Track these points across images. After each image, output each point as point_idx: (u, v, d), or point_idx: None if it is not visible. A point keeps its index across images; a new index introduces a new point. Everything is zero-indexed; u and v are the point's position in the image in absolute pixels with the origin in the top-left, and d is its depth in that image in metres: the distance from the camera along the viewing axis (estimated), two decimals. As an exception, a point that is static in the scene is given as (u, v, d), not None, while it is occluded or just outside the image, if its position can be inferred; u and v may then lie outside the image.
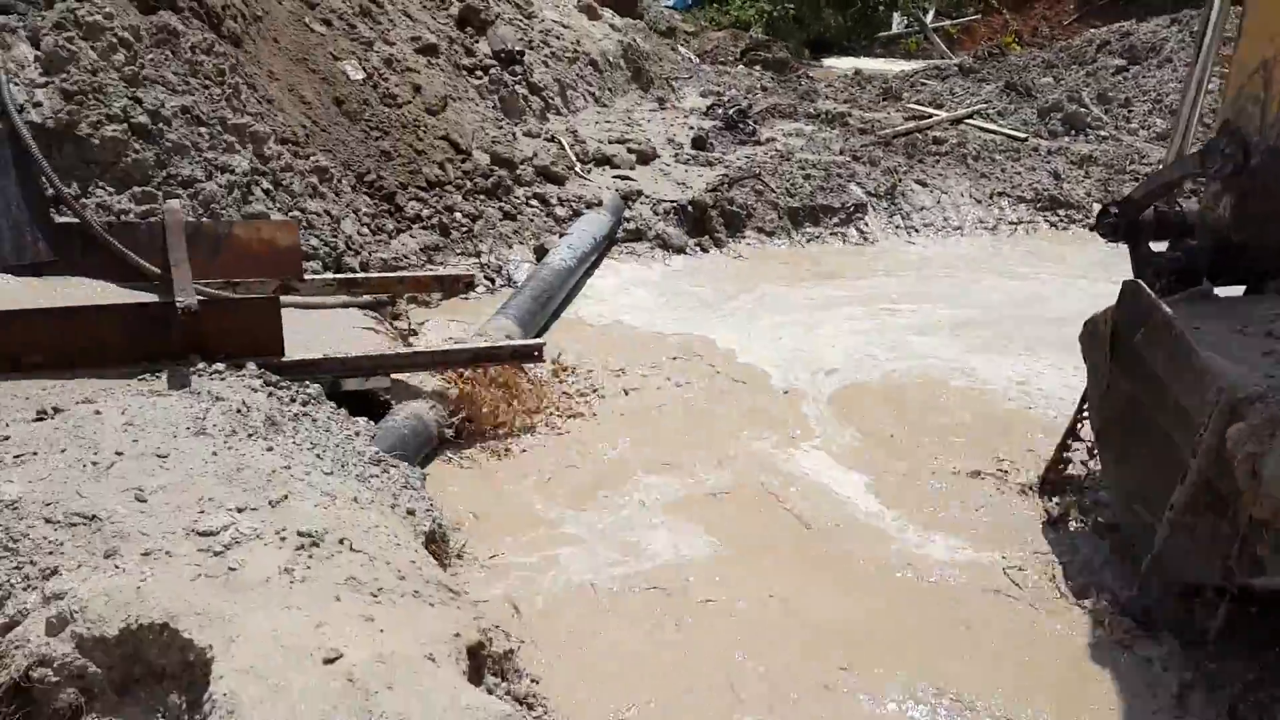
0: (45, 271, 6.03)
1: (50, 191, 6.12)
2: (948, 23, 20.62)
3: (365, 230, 8.18)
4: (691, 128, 11.55)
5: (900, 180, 10.19)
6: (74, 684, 3.18)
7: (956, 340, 7.79)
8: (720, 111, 12.08)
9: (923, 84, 13.59)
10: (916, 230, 9.91)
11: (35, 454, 4.08)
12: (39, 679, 3.15)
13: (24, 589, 3.46)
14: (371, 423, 5.59)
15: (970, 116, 11.82)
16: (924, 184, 10.30)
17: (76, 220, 6.11)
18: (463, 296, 8.01)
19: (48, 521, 3.65)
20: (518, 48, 10.86)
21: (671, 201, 9.67)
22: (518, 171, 9.47)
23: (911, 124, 11.61)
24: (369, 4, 9.44)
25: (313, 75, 8.57)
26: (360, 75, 8.84)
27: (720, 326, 7.87)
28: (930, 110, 12.13)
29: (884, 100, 13.16)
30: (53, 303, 5.58)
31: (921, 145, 10.90)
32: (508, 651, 3.75)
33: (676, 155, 10.77)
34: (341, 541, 3.69)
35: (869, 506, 5.54)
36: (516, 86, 10.56)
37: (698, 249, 9.38)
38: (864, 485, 5.75)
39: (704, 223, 9.49)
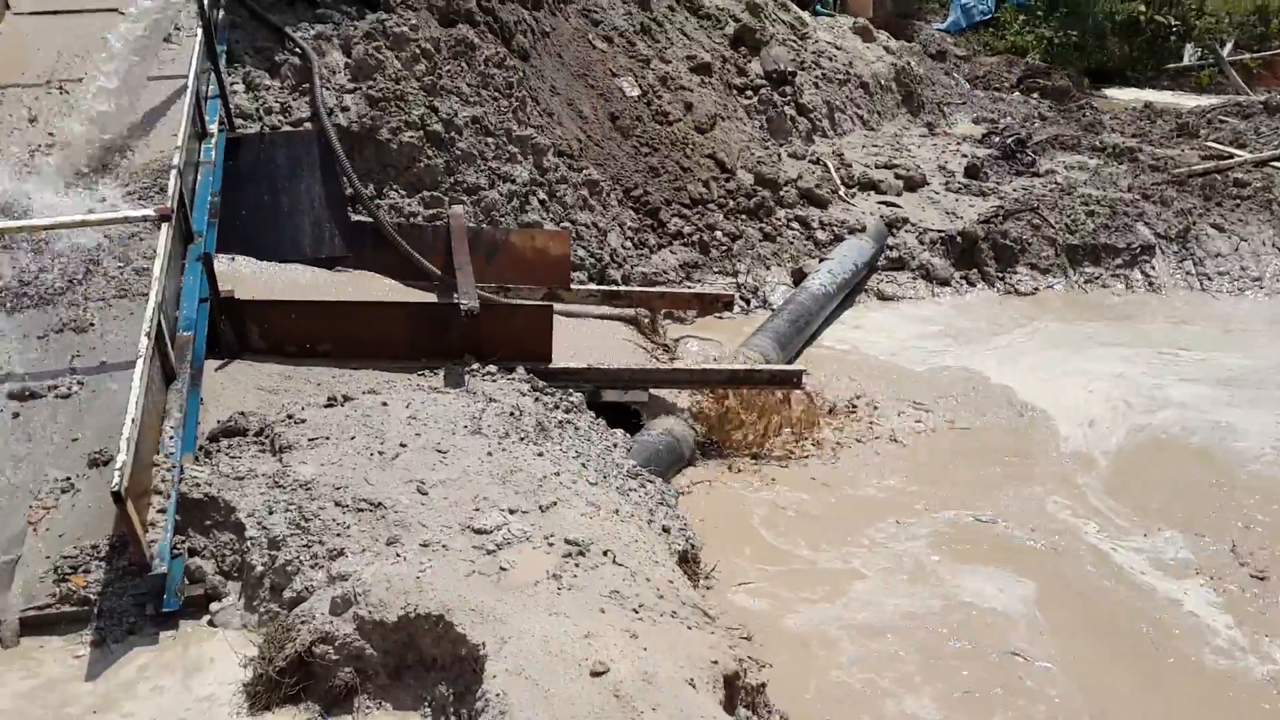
0: (337, 266, 6.43)
1: (349, 191, 6.51)
2: (1247, 56, 19.06)
3: (629, 244, 8.30)
4: (964, 155, 11.13)
5: (1194, 223, 9.43)
6: (352, 664, 3.30)
7: (1262, 405, 7.04)
8: (996, 140, 11.60)
9: (1222, 121, 12.56)
10: (1209, 278, 9.13)
11: (327, 439, 4.32)
12: (320, 655, 3.30)
13: (312, 567, 3.64)
14: (628, 435, 5.63)
15: (1278, 159, 10.82)
16: (1221, 229, 9.49)
17: (370, 219, 6.48)
18: (717, 315, 7.99)
19: (337, 505, 3.83)
20: (790, 68, 10.80)
21: (939, 231, 9.33)
22: (781, 193, 9.39)
23: (1210, 163, 10.73)
24: (649, 22, 9.62)
25: (591, 91, 8.79)
26: (635, 92, 9.01)
27: (989, 364, 7.49)
28: (1231, 150, 11.19)
29: (1178, 137, 12.25)
30: (345, 296, 5.93)
31: (1220, 187, 10.06)
32: (760, 685, 3.63)
33: (947, 184, 10.40)
34: (605, 553, 3.69)
35: (1169, 588, 5.07)
36: (785, 107, 10.49)
37: (964, 282, 9.00)
38: (1163, 554, 5.30)
39: (972, 255, 9.10)
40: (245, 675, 3.39)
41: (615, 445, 5.32)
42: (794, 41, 11.59)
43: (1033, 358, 7.67)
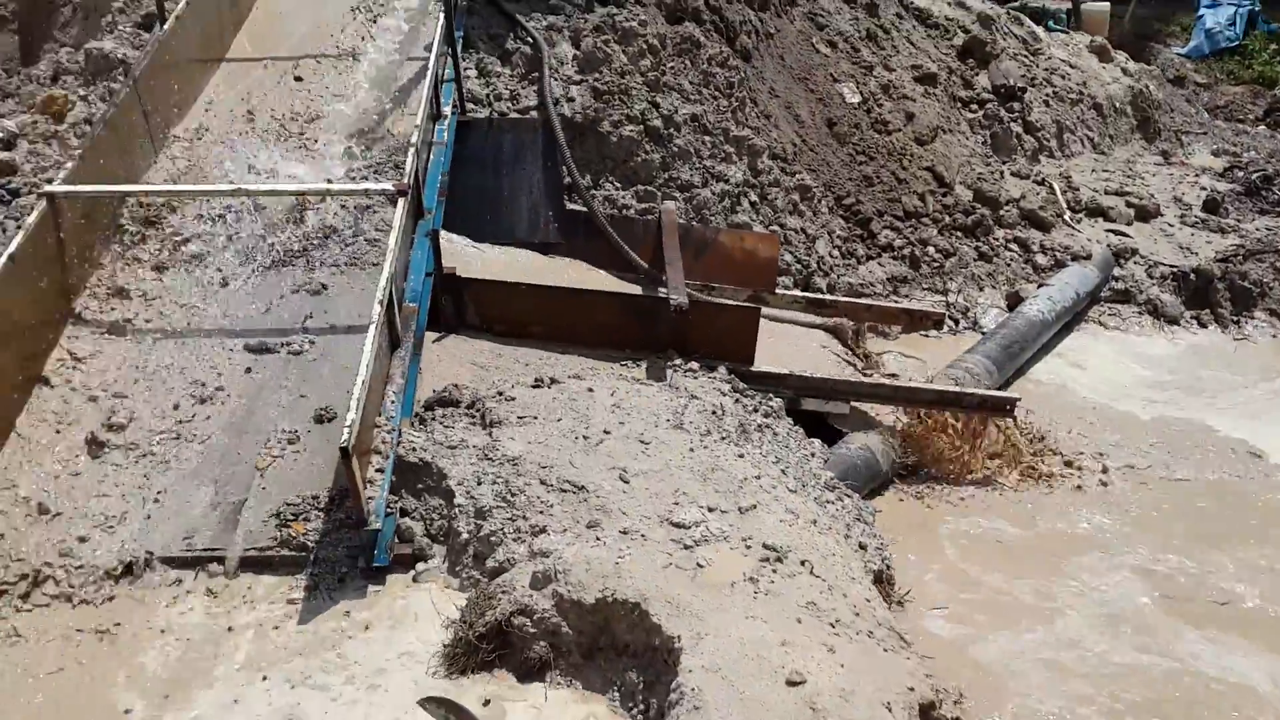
0: (550, 252, 6.58)
1: (567, 180, 6.66)
2: None
3: (836, 253, 8.17)
4: (1202, 188, 10.45)
5: None
6: (547, 639, 3.37)
7: None
8: (1239, 174, 10.85)
9: None
10: None
11: (535, 418, 4.41)
12: (518, 627, 3.37)
13: (515, 540, 3.72)
14: (825, 446, 5.54)
15: None
16: None
17: (584, 209, 6.61)
18: (923, 333, 7.77)
19: (542, 483, 3.91)
20: (1019, 84, 10.41)
21: (1171, 266, 8.79)
22: (1000, 212, 9.05)
23: None
24: (876, 29, 9.44)
25: (810, 95, 8.70)
26: (856, 98, 8.86)
27: (1223, 417, 6.97)
28: None
29: None
30: (555, 281, 6.06)
31: None
32: (954, 719, 3.50)
33: (1182, 216, 9.79)
34: (803, 563, 3.63)
35: None
36: (1011, 124, 10.11)
37: (1194, 322, 8.45)
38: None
39: (1206, 295, 8.53)
40: (445, 636, 3.50)
41: (813, 455, 5.25)
42: (1025, 56, 11.16)
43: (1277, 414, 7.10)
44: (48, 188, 4.78)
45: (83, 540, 3.88)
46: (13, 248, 4.38)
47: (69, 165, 4.97)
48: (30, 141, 6.05)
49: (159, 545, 3.91)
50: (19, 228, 5.21)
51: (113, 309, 4.97)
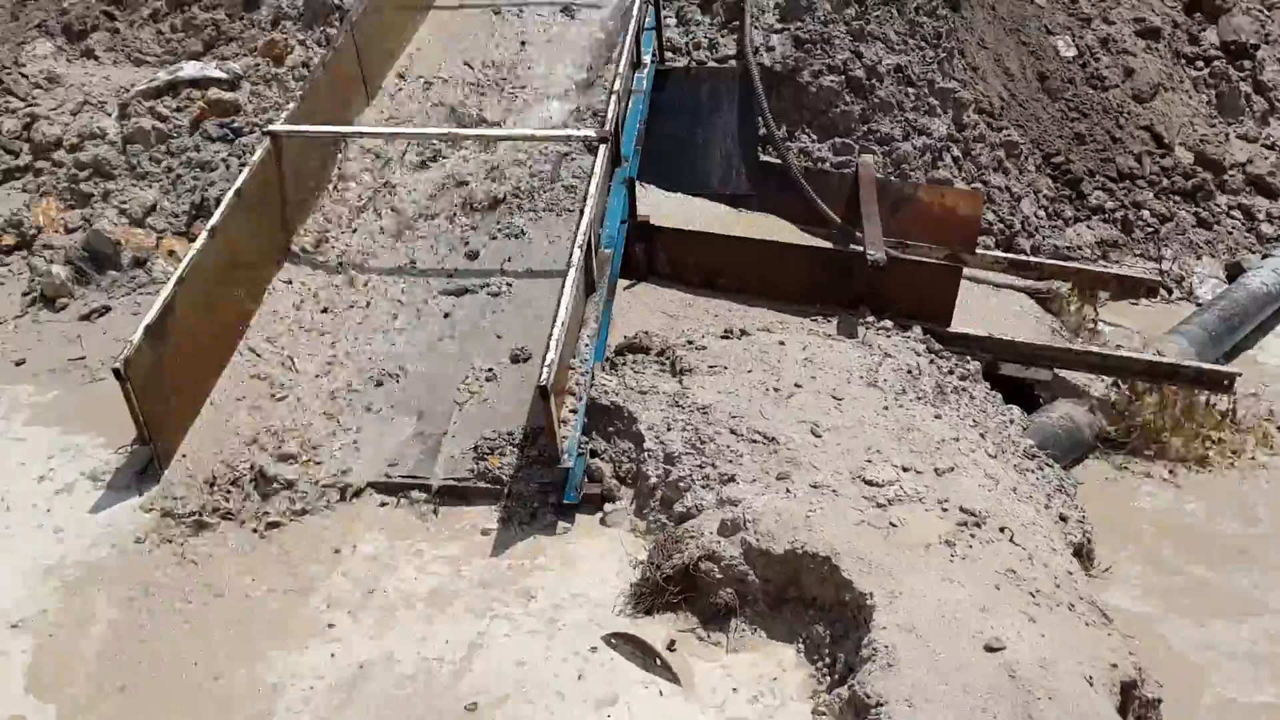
0: (741, 203, 6.51)
1: (762, 131, 6.55)
2: None
3: (1042, 213, 7.79)
4: None
5: None
6: (733, 585, 3.37)
7: None
8: None
9: None
10: None
11: (725, 368, 4.40)
12: (705, 571, 3.38)
13: (703, 487, 3.73)
14: (1025, 413, 5.32)
15: None
16: None
17: (778, 161, 6.49)
18: (1132, 301, 7.34)
19: (732, 432, 3.90)
20: (1252, 40, 9.61)
21: None
22: (1224, 177, 8.42)
23: None
24: (1097, -22, 8.90)
25: (1021, 48, 8.27)
26: (1071, 52, 8.38)
27: None
28: None
29: None
30: (746, 233, 5.99)
31: None
32: (1156, 700, 3.32)
33: None
34: (1002, 530, 3.51)
35: None
36: (1240, 83, 9.36)
37: None
38: None
39: None
40: (631, 576, 3.55)
41: (1011, 421, 5.04)
42: (1259, 11, 10.28)
43: None
44: (271, 126, 5.03)
45: (294, 459, 4.11)
46: (239, 182, 4.64)
47: (290, 106, 5.21)
48: (252, 83, 6.39)
49: (367, 471, 4.10)
50: (242, 164, 5.54)
51: (324, 247, 5.21)
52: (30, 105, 6.46)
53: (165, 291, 4.08)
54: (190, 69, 6.31)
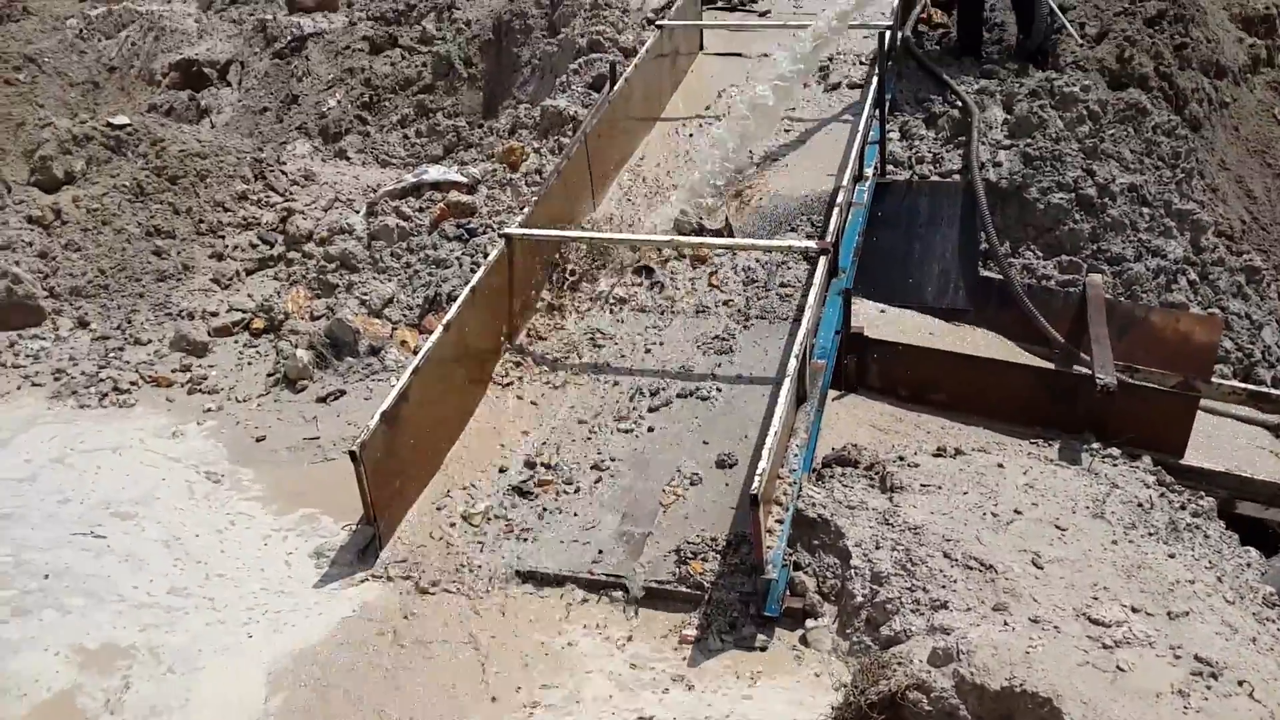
0: (957, 319, 6.36)
1: (983, 246, 6.42)
2: None
3: (1286, 343, 7.29)
4: None
5: None
6: (942, 719, 3.20)
7: None
8: None
9: None
10: None
11: (939, 488, 4.27)
12: (913, 702, 3.23)
13: (913, 611, 3.60)
14: (1263, 557, 4.91)
15: None
16: None
17: (999, 276, 6.33)
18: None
19: (945, 556, 3.76)
20: None
21: None
22: None
23: None
24: (1355, 98, 8.41)
25: (1266, 170, 7.87)
26: (1327, 174, 7.91)
27: None
28: None
29: None
30: (964, 349, 5.85)
31: None
32: None
33: None
34: (1241, 684, 3.22)
35: None
36: None
37: None
38: None
39: None
40: (833, 699, 3.44)
41: (1249, 565, 4.66)
42: None
43: None
44: (507, 229, 5.32)
45: (495, 550, 4.24)
46: (475, 280, 4.90)
47: (525, 210, 5.50)
48: (489, 187, 6.77)
49: (570, 564, 4.17)
50: (474, 264, 5.86)
51: (546, 344, 5.42)
52: (288, 200, 7.06)
53: (402, 380, 4.33)
54: (434, 172, 6.76)
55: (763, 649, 3.78)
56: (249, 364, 5.84)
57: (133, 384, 5.66)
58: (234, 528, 4.53)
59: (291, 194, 7.19)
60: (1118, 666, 3.19)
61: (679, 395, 5.01)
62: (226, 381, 5.68)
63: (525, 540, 4.30)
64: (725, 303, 5.65)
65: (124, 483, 4.85)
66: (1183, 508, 4.77)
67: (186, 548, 4.39)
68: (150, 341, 6.01)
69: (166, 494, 4.76)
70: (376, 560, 4.18)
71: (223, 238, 6.73)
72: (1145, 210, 6.66)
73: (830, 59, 7.58)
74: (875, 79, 6.54)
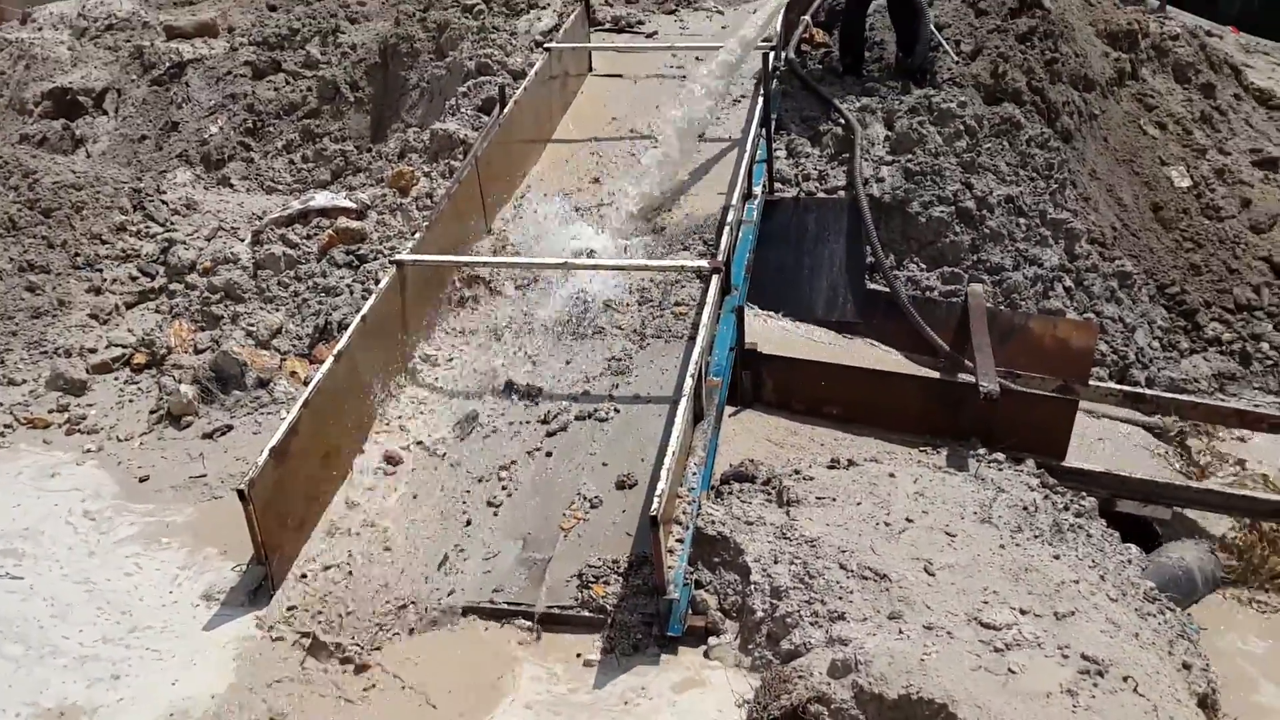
0: (847, 331, 6.50)
1: (870, 259, 6.57)
2: None
3: (1156, 344, 7.61)
4: None
5: None
6: (843, 731, 3.26)
7: None
8: None
9: None
10: None
11: (834, 500, 4.34)
12: (814, 714, 3.29)
13: (812, 624, 3.66)
14: (1143, 553, 5.12)
15: None
16: None
17: (886, 289, 6.49)
18: (1239, 437, 7.04)
19: (841, 567, 3.83)
20: (1376, 169, 9.38)
21: None
22: (1351, 309, 8.15)
23: None
24: (1211, 111, 8.83)
25: (1135, 178, 8.22)
26: (1186, 182, 8.29)
27: None
28: None
29: None
30: (852, 361, 5.97)
31: None
32: None
33: None
34: (1126, 679, 3.35)
35: None
36: (1366, 213, 9.12)
37: None
38: None
39: None
40: (737, 716, 3.47)
41: (1129, 562, 4.85)
42: (1385, 139, 10.06)
43: None
44: (398, 256, 5.25)
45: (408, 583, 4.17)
46: (366, 309, 4.83)
47: (416, 235, 5.44)
48: (379, 212, 6.68)
49: (471, 593, 4.12)
50: (365, 290, 5.77)
51: (438, 370, 5.36)
52: (169, 230, 6.87)
53: (291, 414, 4.23)
54: (321, 198, 6.65)
55: (666, 667, 3.78)
56: (130, 401, 5.65)
57: (7, 427, 5.43)
58: (116, 571, 4.36)
59: (173, 224, 7.00)
60: (1009, 669, 3.29)
61: (577, 418, 5.00)
62: (107, 420, 5.48)
63: (424, 574, 4.24)
64: (622, 322, 5.66)
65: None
66: (1066, 508, 4.94)
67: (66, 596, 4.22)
68: (25, 381, 5.77)
69: (46, 539, 4.57)
70: (270, 601, 4.07)
71: (100, 271, 6.51)
72: (1022, 220, 6.91)
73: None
74: (760, 98, 6.65)
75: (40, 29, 9.85)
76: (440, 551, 4.34)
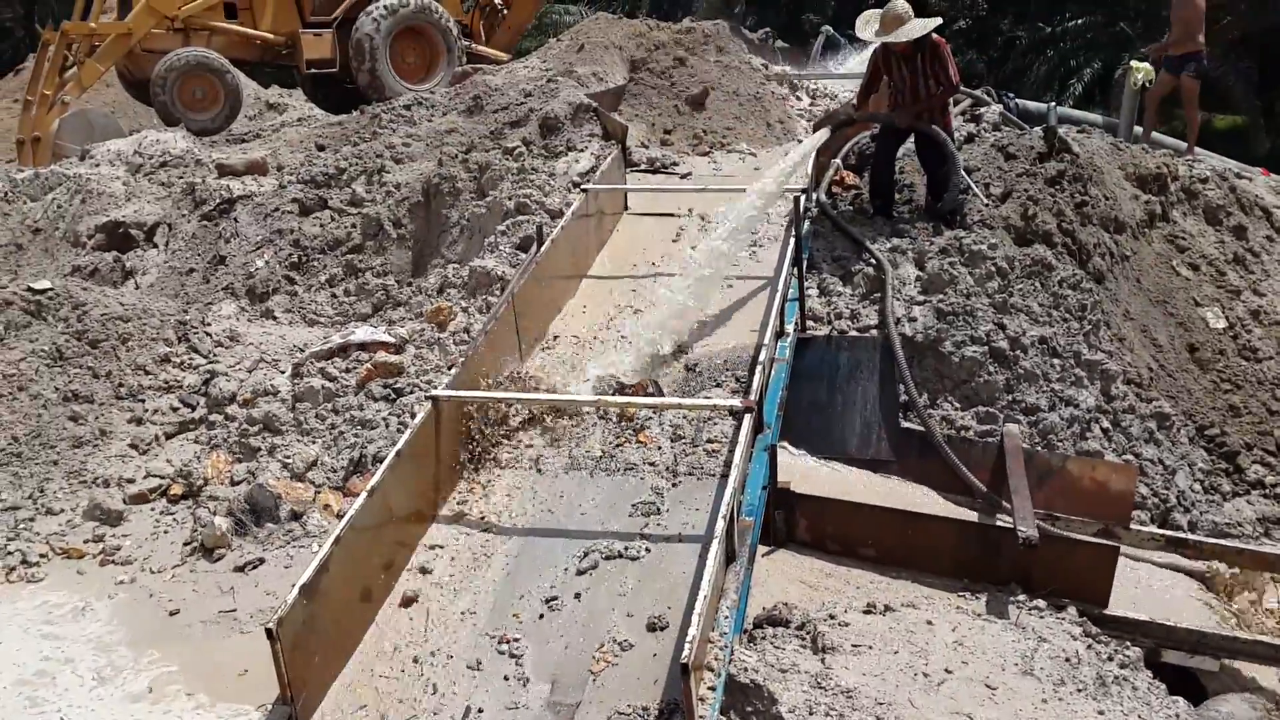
0: (880, 470, 6.46)
1: (903, 398, 6.57)
2: None
3: (1198, 487, 7.49)
4: None
5: None
6: None
7: None
8: None
9: None
10: None
11: (870, 647, 4.25)
12: None
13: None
14: (1191, 707, 4.93)
15: None
16: None
17: (920, 428, 6.47)
18: (1303, 584, 6.85)
19: (878, 720, 3.72)
20: None
21: None
22: (1397, 452, 8.00)
23: None
24: (1244, 252, 8.86)
25: (1169, 319, 8.22)
26: (1221, 324, 8.28)
27: None
28: None
29: None
30: (888, 501, 5.92)
31: None
32: None
33: None
34: (1177, 847, 3.19)
35: None
36: (1406, 355, 9.04)
37: None
38: None
39: None
40: None
41: (1177, 717, 4.67)
42: None
43: None
44: (434, 391, 5.31)
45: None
46: (401, 444, 4.86)
47: (453, 370, 5.51)
48: (416, 347, 6.79)
49: (499, 740, 4.04)
50: (401, 424, 5.82)
51: (468, 508, 5.35)
52: (211, 362, 7.00)
53: (323, 550, 4.23)
54: (361, 333, 6.77)
55: (697, 825, 3.66)
56: (165, 532, 5.68)
57: (42, 556, 5.45)
58: (145, 708, 4.32)
59: (215, 355, 7.14)
60: (1054, 835, 3.16)
61: (606, 557, 4.95)
62: (140, 551, 5.50)
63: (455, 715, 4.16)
64: (651, 462, 5.65)
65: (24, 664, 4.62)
66: (1110, 659, 4.79)
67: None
68: (63, 510, 5.82)
69: (68, 673, 4.54)
70: (294, 743, 4.00)
71: (142, 401, 6.62)
72: (1056, 361, 6.90)
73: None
74: (793, 239, 6.77)
75: (97, 165, 10.25)
76: (469, 695, 4.26)
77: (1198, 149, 11.21)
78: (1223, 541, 6.69)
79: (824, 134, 7.85)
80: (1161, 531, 6.66)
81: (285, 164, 9.78)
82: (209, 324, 7.49)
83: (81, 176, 9.74)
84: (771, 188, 7.32)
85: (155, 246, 8.86)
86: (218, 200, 8.97)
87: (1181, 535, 6.68)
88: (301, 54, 13.26)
